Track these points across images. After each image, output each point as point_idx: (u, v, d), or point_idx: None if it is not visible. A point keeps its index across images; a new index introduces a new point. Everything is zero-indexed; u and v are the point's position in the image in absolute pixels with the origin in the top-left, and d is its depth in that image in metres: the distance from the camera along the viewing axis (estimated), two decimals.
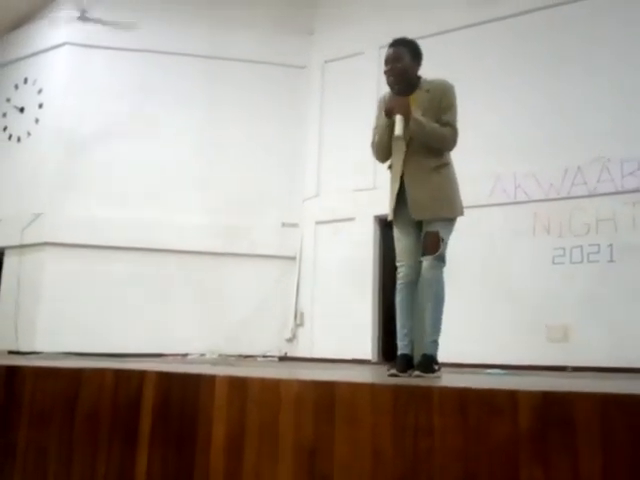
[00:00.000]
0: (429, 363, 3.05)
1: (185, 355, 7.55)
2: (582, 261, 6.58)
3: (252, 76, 8.76)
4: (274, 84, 8.82)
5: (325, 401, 2.15)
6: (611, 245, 6.44)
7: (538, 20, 7.29)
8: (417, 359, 3.10)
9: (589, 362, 5.99)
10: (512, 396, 1.85)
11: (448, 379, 2.90)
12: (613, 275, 6.37)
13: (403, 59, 3.27)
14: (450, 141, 3.22)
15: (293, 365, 5.71)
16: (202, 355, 7.59)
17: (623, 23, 6.80)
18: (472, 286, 6.87)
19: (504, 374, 3.97)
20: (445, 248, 3.16)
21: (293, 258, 8.57)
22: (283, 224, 8.58)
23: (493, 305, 6.89)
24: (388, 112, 3.20)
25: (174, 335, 7.73)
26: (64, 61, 8.67)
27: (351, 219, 8.24)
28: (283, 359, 7.97)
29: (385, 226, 8.33)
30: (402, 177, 3.23)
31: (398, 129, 3.12)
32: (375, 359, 7.65)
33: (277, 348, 8.18)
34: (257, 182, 8.51)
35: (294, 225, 8.61)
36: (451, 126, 3.21)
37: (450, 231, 3.22)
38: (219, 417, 2.40)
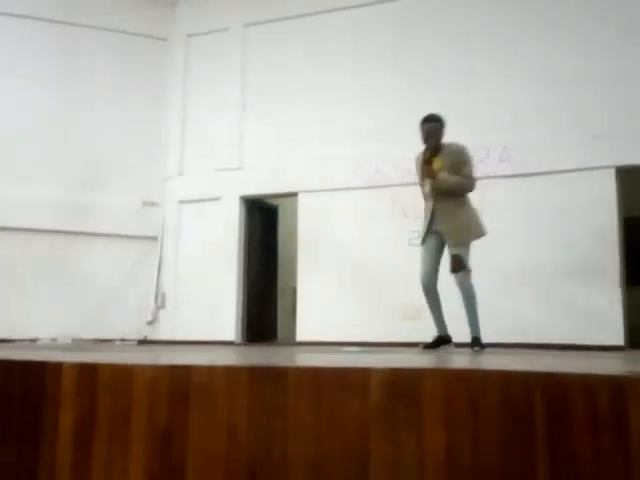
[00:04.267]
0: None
1: (34, 340, 7.09)
2: None
3: (110, 45, 8.31)
4: (134, 56, 8.42)
5: (179, 386, 2.09)
6: None
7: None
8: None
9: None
10: (364, 374, 1.91)
11: (303, 358, 2.95)
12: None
13: (437, 133, 4.43)
14: (468, 187, 4.42)
15: (152, 348, 5.55)
16: (53, 340, 7.17)
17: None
18: (330, 268, 7.08)
19: (360, 351, 4.10)
20: (467, 261, 4.33)
21: (155, 238, 8.30)
22: (143, 203, 8.27)
23: (353, 286, 7.11)
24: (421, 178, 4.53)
25: (24, 319, 7.26)
26: None
27: (216, 199, 8.10)
28: (143, 342, 7.73)
29: (251, 207, 8.29)
30: (433, 213, 4.43)
31: (427, 188, 4.46)
32: (239, 340, 7.62)
33: (137, 331, 7.91)
34: (115, 158, 8.11)
35: (155, 204, 8.33)
36: (468, 177, 4.40)
37: (468, 249, 4.37)
38: (66, 407, 2.27)
